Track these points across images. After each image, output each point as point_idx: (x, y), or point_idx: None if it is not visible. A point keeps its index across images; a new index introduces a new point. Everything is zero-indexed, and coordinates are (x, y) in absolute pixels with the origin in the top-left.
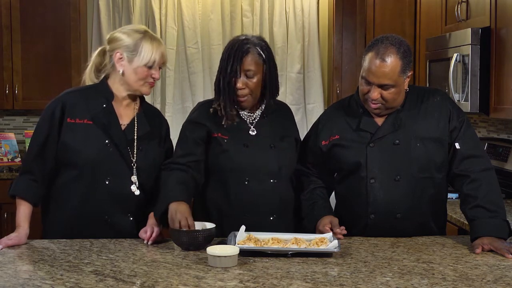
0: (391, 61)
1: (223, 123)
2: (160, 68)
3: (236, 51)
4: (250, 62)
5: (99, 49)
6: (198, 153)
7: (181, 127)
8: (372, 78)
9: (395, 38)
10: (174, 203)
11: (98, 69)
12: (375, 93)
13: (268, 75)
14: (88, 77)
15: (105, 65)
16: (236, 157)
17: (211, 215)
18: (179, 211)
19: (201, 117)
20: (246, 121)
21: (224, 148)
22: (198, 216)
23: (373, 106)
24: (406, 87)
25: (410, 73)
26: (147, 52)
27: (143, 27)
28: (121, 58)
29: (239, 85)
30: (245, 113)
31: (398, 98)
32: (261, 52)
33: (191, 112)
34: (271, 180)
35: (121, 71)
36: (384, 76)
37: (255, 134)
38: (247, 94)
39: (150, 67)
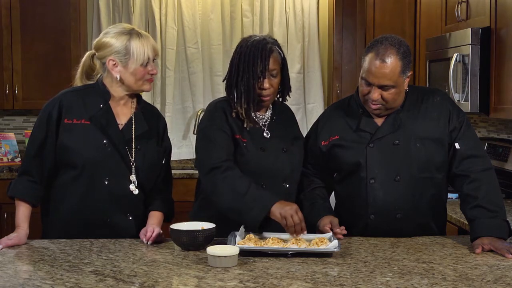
0: (391, 61)
1: (245, 125)
2: (154, 60)
3: (261, 52)
4: (274, 62)
5: (87, 54)
6: (232, 153)
7: (203, 132)
8: (372, 79)
9: (394, 38)
10: (277, 203)
11: (88, 74)
12: (375, 94)
13: (285, 72)
14: (80, 82)
15: (97, 70)
16: (254, 161)
17: (214, 216)
18: (288, 205)
19: (224, 119)
20: (258, 122)
21: (244, 152)
22: (200, 216)
23: (374, 106)
24: (406, 87)
25: (410, 73)
26: (140, 52)
27: (126, 26)
28: (115, 64)
29: (266, 85)
30: (257, 114)
31: (398, 98)
32: (279, 50)
33: (207, 114)
34: (284, 184)
35: (118, 77)
36: (384, 77)
37: (269, 136)
38: (271, 93)
39: (146, 65)
